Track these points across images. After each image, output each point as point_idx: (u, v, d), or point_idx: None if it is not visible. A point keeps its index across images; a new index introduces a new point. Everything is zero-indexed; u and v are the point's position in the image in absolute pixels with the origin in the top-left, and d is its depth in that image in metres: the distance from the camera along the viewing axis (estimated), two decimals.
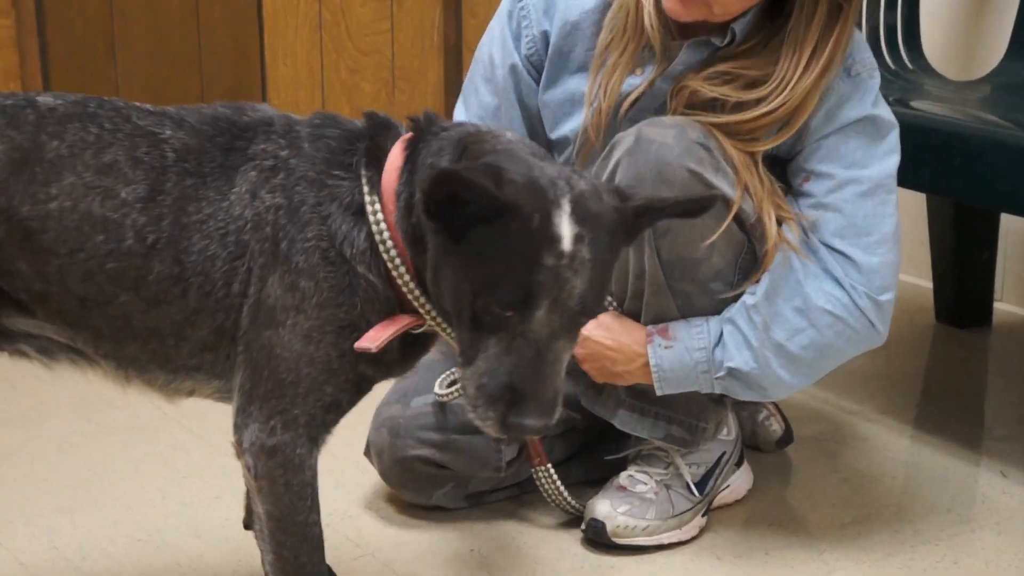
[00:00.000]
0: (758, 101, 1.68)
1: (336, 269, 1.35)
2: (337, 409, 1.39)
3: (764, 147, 1.71)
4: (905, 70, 2.63)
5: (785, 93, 1.67)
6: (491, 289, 1.24)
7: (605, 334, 1.75)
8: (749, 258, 1.75)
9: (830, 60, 1.67)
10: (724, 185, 1.70)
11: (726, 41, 1.71)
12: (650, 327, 1.74)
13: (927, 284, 2.86)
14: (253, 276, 1.35)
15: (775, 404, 2.19)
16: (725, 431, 1.96)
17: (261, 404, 1.36)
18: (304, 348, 1.34)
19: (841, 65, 1.70)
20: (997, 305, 2.83)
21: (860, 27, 2.60)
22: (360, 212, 1.36)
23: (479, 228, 1.24)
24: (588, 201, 1.27)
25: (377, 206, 1.35)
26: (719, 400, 1.88)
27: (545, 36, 1.82)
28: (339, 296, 1.35)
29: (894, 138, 1.76)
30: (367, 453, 1.94)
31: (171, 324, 1.38)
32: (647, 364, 1.73)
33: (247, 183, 1.36)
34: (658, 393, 1.73)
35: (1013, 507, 2.00)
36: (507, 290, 1.24)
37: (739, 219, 1.72)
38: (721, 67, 1.70)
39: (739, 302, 1.73)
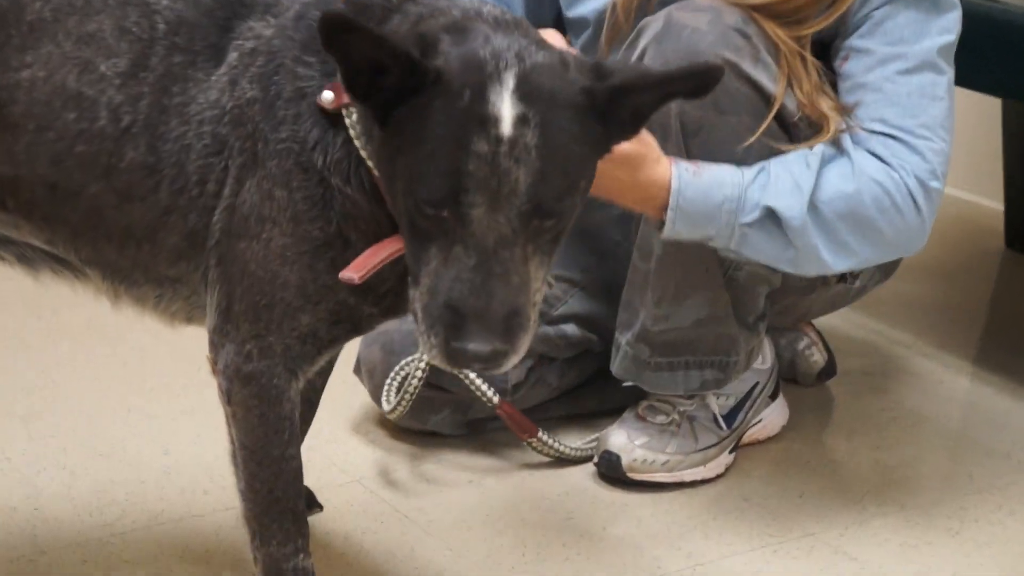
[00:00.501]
0: None
1: (309, 178, 1.27)
2: (314, 340, 1.32)
3: (811, 29, 1.62)
4: None
5: None
6: (417, 182, 1.15)
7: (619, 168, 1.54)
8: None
9: None
10: (764, 78, 1.62)
11: None
12: (674, 158, 1.58)
13: (997, 206, 2.77)
14: (229, 176, 1.30)
15: (817, 332, 2.11)
16: (760, 359, 1.89)
17: (237, 324, 1.32)
18: (279, 268, 1.28)
19: None
20: None
21: None
22: (334, 112, 1.27)
23: (403, 108, 1.15)
24: (542, 77, 1.15)
25: (351, 106, 1.25)
26: (752, 325, 1.78)
27: None
28: (312, 209, 1.27)
29: (952, 17, 1.65)
30: (357, 371, 1.89)
31: (144, 224, 1.32)
32: (664, 194, 1.54)
33: (227, 67, 1.30)
34: (665, 233, 1.57)
35: None
36: (433, 183, 1.13)
37: (781, 116, 1.63)
38: None
39: (789, 151, 1.62)
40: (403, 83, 1.14)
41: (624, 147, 1.36)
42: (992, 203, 2.83)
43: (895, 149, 1.60)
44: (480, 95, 1.13)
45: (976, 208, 2.87)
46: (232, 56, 1.30)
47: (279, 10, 1.32)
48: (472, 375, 1.75)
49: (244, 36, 1.31)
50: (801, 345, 2.09)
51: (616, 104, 1.19)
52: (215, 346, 1.35)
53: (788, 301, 1.86)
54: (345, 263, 1.26)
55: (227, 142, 1.29)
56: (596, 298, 1.88)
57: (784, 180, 1.58)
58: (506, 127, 1.13)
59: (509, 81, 1.14)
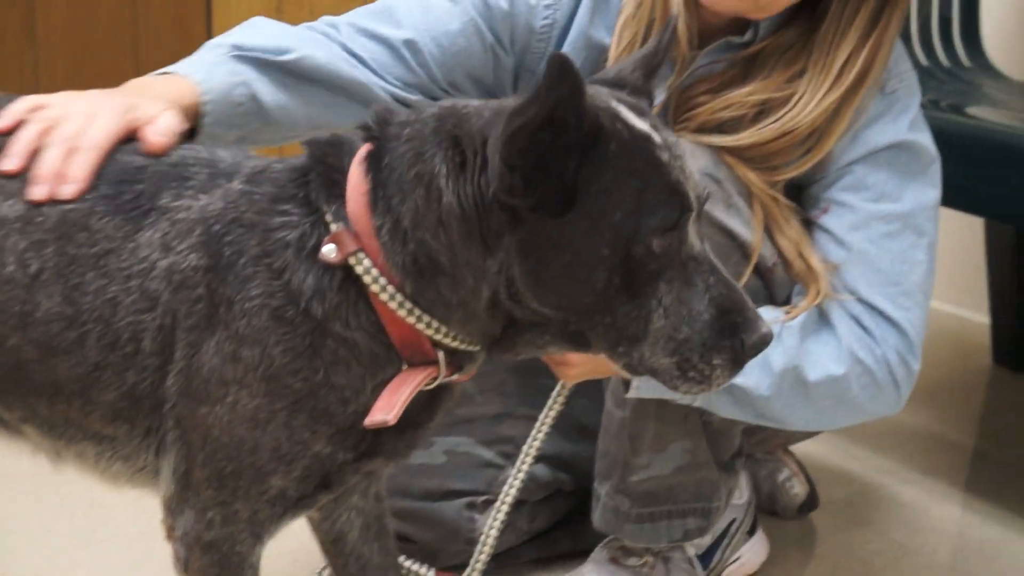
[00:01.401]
0: (779, 117, 1.69)
1: (293, 330, 1.30)
2: (283, 501, 1.36)
3: (785, 176, 1.72)
4: (961, 68, 2.66)
5: (810, 108, 1.68)
6: (648, 216, 1.22)
7: None
8: (764, 303, 1.76)
9: (865, 70, 1.68)
10: (736, 224, 1.71)
11: (746, 38, 1.73)
12: None
13: (984, 320, 2.89)
14: (178, 340, 1.33)
15: (798, 462, 2.21)
16: (737, 495, 1.98)
17: (198, 491, 1.36)
18: (247, 433, 1.32)
19: (880, 78, 1.71)
20: None
21: (907, 23, 2.63)
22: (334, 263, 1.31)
23: (583, 172, 1.21)
24: (625, 98, 1.30)
25: (360, 252, 1.29)
26: (729, 465, 1.89)
27: (564, 26, 1.82)
28: (295, 362, 1.31)
29: (934, 171, 1.77)
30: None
31: (73, 380, 1.36)
32: None
33: (158, 232, 1.34)
34: (630, 395, 1.70)
35: None
36: (667, 206, 1.23)
37: (756, 262, 1.72)
38: (743, 79, 1.71)
39: (768, 311, 1.72)
40: (574, 146, 1.20)
41: None
42: (978, 316, 2.95)
43: (878, 321, 1.71)
44: (623, 121, 1.24)
45: (962, 323, 2.98)
46: (162, 223, 1.34)
47: (208, 181, 1.36)
48: (401, 558, 1.78)
49: (173, 207, 1.34)
50: (781, 477, 2.18)
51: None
52: (172, 512, 1.38)
53: (766, 433, 1.95)
54: (327, 411, 1.32)
55: (159, 299, 1.33)
56: (566, 436, 1.96)
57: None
58: (657, 135, 1.25)
59: (619, 106, 1.25)
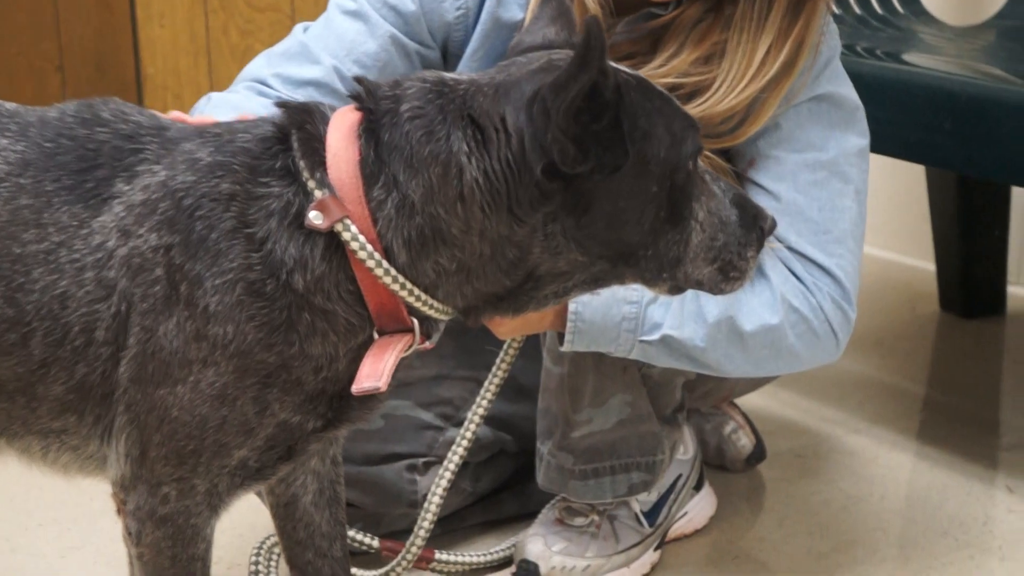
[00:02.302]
0: (700, 103, 1.69)
1: (272, 304, 1.31)
2: (243, 471, 1.37)
3: (719, 145, 1.73)
4: (895, 15, 2.69)
5: (730, 97, 1.69)
6: (682, 151, 1.33)
7: None
8: None
9: (791, 63, 1.69)
10: None
11: (668, 10, 1.74)
12: None
13: (930, 267, 2.92)
14: (132, 325, 1.33)
15: (744, 415, 2.23)
16: (681, 450, 2.01)
17: (152, 468, 1.36)
18: (214, 411, 1.33)
19: (808, 64, 1.72)
20: (1011, 290, 2.90)
21: None
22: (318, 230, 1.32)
23: (624, 125, 1.29)
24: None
25: (347, 219, 1.30)
26: (671, 419, 1.92)
27: (477, 12, 1.83)
28: (272, 336, 1.32)
29: (858, 119, 1.80)
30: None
31: (15, 379, 1.36)
32: (563, 310, 1.70)
33: (113, 216, 1.34)
34: (564, 348, 1.73)
35: (1018, 527, 2.06)
36: (690, 136, 1.34)
37: None
38: (652, 52, 1.73)
39: None
40: (612, 100, 1.27)
41: None
42: (925, 264, 2.98)
43: (810, 269, 1.75)
44: (623, 72, 1.32)
45: (909, 270, 3.02)
46: (116, 208, 1.33)
47: (167, 153, 1.35)
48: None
49: (128, 191, 1.34)
50: (727, 429, 2.21)
51: None
52: (124, 488, 1.38)
53: (708, 387, 1.99)
54: (299, 380, 1.33)
55: (115, 286, 1.33)
56: (506, 397, 1.96)
57: (688, 305, 1.71)
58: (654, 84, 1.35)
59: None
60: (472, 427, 1.81)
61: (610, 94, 1.26)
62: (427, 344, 1.39)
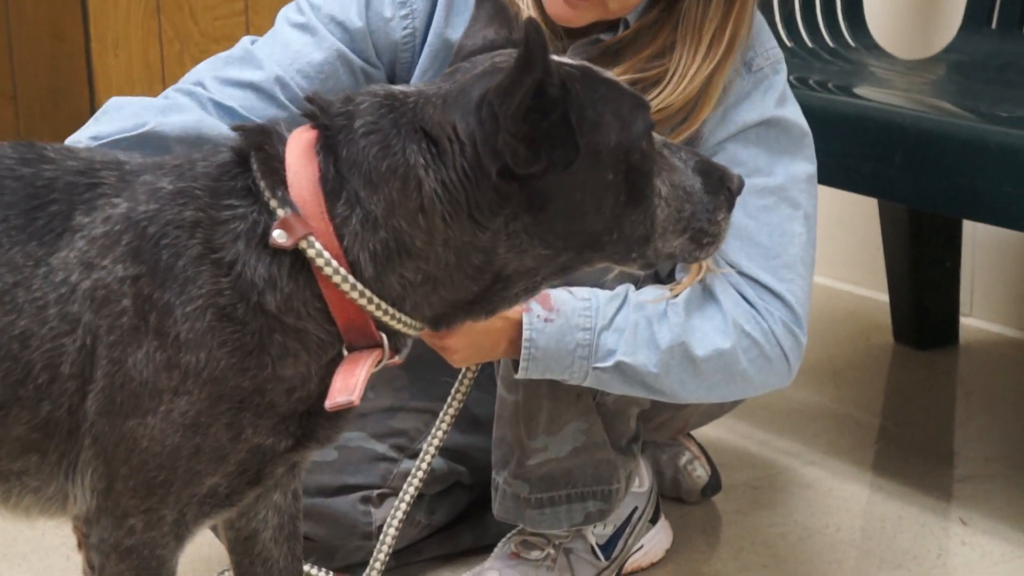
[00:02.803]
0: (653, 96, 1.73)
1: (243, 328, 1.32)
2: (213, 499, 1.38)
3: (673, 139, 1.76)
4: (846, 48, 2.73)
5: (684, 83, 1.73)
6: (632, 134, 1.34)
7: None
8: (650, 281, 1.81)
9: (732, 42, 1.74)
10: None
11: (617, 35, 1.78)
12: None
13: (884, 297, 2.95)
14: (99, 357, 1.33)
15: (699, 446, 2.25)
16: (637, 482, 2.02)
17: (118, 501, 1.36)
18: (186, 440, 1.33)
19: (745, 47, 1.77)
20: (964, 321, 2.93)
21: (790, 4, 2.69)
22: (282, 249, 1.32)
23: (572, 118, 1.30)
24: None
25: (311, 235, 1.31)
26: (626, 449, 1.93)
27: (424, 32, 1.85)
28: (245, 361, 1.32)
29: (806, 145, 1.83)
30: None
31: None
32: (517, 337, 1.72)
33: (75, 251, 1.33)
34: (518, 375, 1.74)
35: (972, 560, 2.08)
36: (639, 116, 1.35)
37: None
38: (610, 65, 1.75)
39: (653, 289, 1.77)
40: (558, 96, 1.28)
41: None
42: (878, 295, 3.01)
43: (761, 294, 1.77)
44: (566, 64, 1.34)
45: (863, 301, 3.05)
46: (78, 243, 1.33)
47: (127, 185, 1.35)
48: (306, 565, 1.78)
49: (89, 224, 1.33)
50: (683, 460, 2.22)
51: None
52: (88, 522, 1.37)
53: (663, 418, 2.00)
54: (272, 403, 1.34)
55: (80, 320, 1.32)
56: (460, 428, 1.96)
57: (641, 331, 1.73)
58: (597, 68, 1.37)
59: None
60: (428, 458, 1.82)
61: (556, 91, 1.28)
62: (396, 359, 1.40)
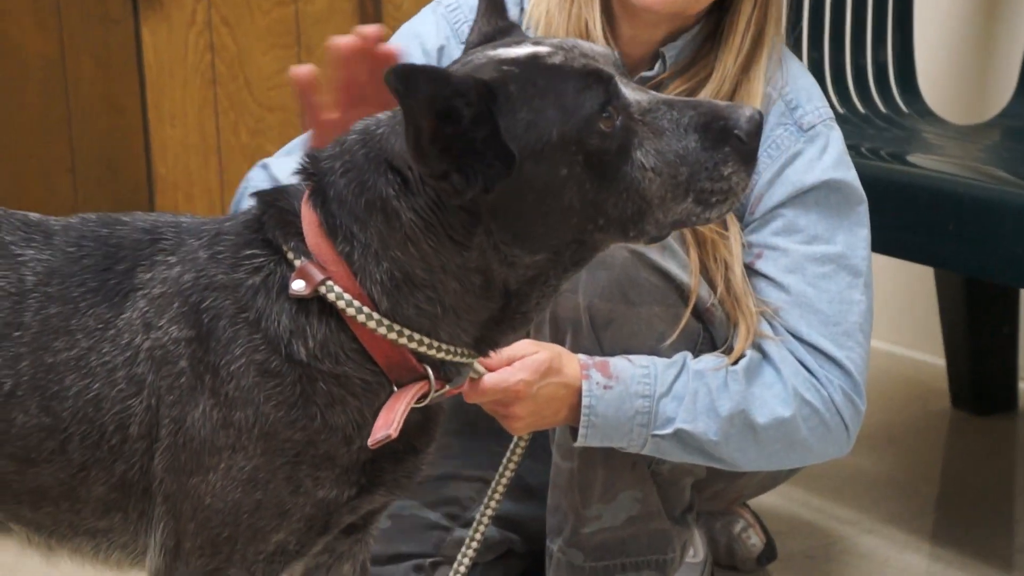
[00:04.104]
0: (697, 89, 1.78)
1: (282, 380, 1.35)
2: (282, 556, 1.40)
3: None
4: (899, 114, 2.74)
5: (718, 79, 1.77)
6: (579, 120, 1.28)
7: (532, 376, 1.69)
8: (707, 348, 1.83)
9: (760, 34, 1.79)
10: (673, 266, 1.78)
11: (655, 70, 1.82)
12: (585, 357, 1.75)
13: (941, 362, 2.94)
14: (162, 417, 1.37)
15: (753, 513, 2.25)
16: (691, 552, 2.03)
17: (188, 560, 1.39)
18: (246, 496, 1.36)
19: (775, 44, 1.81)
20: (1023, 386, 2.90)
21: (844, 67, 2.72)
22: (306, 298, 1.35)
23: (502, 126, 1.27)
24: (500, 43, 1.38)
25: (329, 280, 1.34)
26: (680, 519, 1.94)
27: None
28: (291, 413, 1.35)
29: (863, 211, 1.85)
30: None
31: (55, 484, 1.40)
32: (577, 404, 1.73)
33: (137, 312, 1.39)
34: (577, 443, 1.75)
35: None
36: (587, 98, 1.28)
37: (695, 304, 1.80)
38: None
39: (712, 357, 1.79)
40: (479, 111, 1.25)
41: (536, 357, 1.62)
42: (935, 359, 2.99)
43: (821, 361, 1.78)
44: (511, 60, 1.31)
45: (921, 366, 3.04)
46: (140, 302, 1.38)
47: (181, 244, 1.41)
48: None
49: (149, 281, 1.39)
50: (737, 528, 2.22)
51: None
52: None
53: (717, 487, 2.01)
54: (329, 455, 1.36)
55: (145, 381, 1.37)
56: (513, 497, 1.98)
57: (701, 400, 1.74)
58: (546, 46, 1.32)
59: (498, 51, 1.33)
60: (481, 527, 1.83)
61: (474, 109, 1.26)
62: (448, 388, 1.40)
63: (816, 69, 2.65)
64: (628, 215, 1.32)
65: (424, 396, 1.37)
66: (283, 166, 1.75)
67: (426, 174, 1.28)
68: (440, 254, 1.32)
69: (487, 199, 1.29)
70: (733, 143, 1.32)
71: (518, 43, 1.34)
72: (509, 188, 1.28)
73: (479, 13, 1.45)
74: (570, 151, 1.28)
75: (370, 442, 1.34)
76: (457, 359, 1.38)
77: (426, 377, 1.37)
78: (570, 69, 1.30)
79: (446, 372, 1.39)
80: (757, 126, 1.33)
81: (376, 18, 3.27)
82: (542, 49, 1.31)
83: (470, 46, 1.43)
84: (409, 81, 1.22)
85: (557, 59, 1.30)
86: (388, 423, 1.33)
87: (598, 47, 1.35)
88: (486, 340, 1.39)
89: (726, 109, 1.33)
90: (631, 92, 1.32)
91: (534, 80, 1.29)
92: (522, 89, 1.28)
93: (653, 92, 1.34)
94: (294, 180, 1.40)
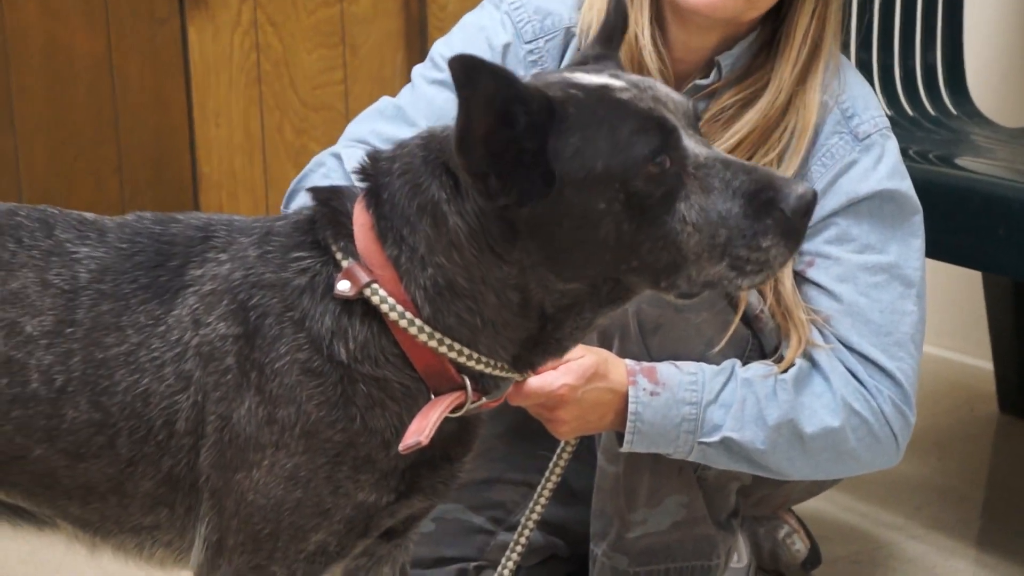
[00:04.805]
0: (752, 101, 1.78)
1: (324, 380, 1.37)
2: (323, 557, 1.41)
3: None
4: (948, 116, 2.73)
5: (774, 90, 1.77)
6: (628, 160, 1.28)
7: (576, 380, 1.69)
8: (755, 356, 1.83)
9: (818, 44, 1.79)
10: None
11: (711, 79, 1.82)
12: (632, 363, 1.76)
13: (989, 366, 2.94)
14: (208, 413, 1.39)
15: (798, 519, 2.25)
16: (736, 558, 2.03)
17: (230, 558, 1.41)
18: (287, 493, 1.38)
19: (833, 54, 1.81)
20: None
21: (892, 69, 2.70)
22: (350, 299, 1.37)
23: (551, 146, 1.27)
24: (582, 67, 1.41)
25: (374, 283, 1.36)
26: (726, 524, 1.94)
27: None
28: (332, 413, 1.37)
29: (917, 221, 1.84)
30: None
31: (104, 479, 1.43)
32: (623, 410, 1.74)
33: (187, 308, 1.41)
34: (623, 448, 1.76)
35: None
36: (641, 141, 1.29)
37: (744, 310, 1.81)
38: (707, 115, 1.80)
39: (761, 365, 1.79)
40: (534, 122, 1.26)
41: (582, 361, 1.63)
42: (983, 363, 2.99)
43: (871, 371, 1.78)
44: (580, 85, 1.31)
45: (967, 370, 3.03)
46: (190, 299, 1.41)
47: (232, 242, 1.43)
48: None
49: (200, 278, 1.42)
50: (781, 533, 2.21)
51: None
52: None
53: (762, 493, 2.01)
54: (369, 457, 1.38)
55: (192, 377, 1.40)
56: (558, 501, 1.98)
57: (749, 408, 1.74)
58: (622, 80, 1.33)
59: (574, 74, 1.34)
60: (526, 531, 1.84)
61: (532, 117, 1.27)
62: (485, 401, 1.41)
63: (865, 70, 2.64)
64: (662, 264, 1.33)
65: (460, 406, 1.39)
66: (354, 157, 1.75)
67: (464, 167, 1.29)
68: (481, 264, 1.33)
69: (524, 214, 1.30)
70: (775, 216, 1.31)
71: (598, 72, 1.35)
72: (548, 209, 1.30)
73: (593, 38, 1.47)
74: (613, 187, 1.29)
75: (401, 447, 1.36)
76: (495, 372, 1.39)
77: (463, 388, 1.39)
78: (634, 108, 1.31)
79: (484, 385, 1.41)
80: (807, 205, 1.31)
81: (420, 18, 3.28)
82: (615, 83, 1.32)
83: (568, 67, 1.44)
84: (472, 73, 1.23)
85: (625, 95, 1.31)
86: (420, 430, 1.35)
87: (676, 95, 1.36)
88: (524, 359, 1.41)
89: (779, 181, 1.32)
90: (692, 144, 1.33)
91: (595, 109, 1.30)
92: (580, 115, 1.29)
93: (715, 149, 1.35)
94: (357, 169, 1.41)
